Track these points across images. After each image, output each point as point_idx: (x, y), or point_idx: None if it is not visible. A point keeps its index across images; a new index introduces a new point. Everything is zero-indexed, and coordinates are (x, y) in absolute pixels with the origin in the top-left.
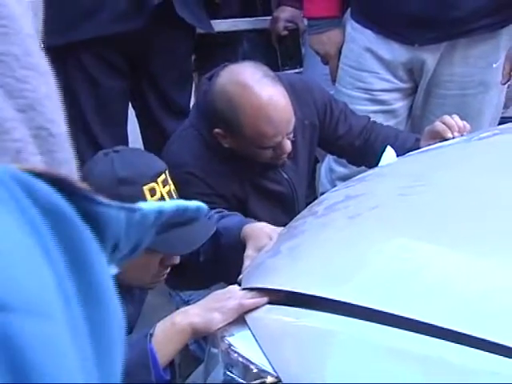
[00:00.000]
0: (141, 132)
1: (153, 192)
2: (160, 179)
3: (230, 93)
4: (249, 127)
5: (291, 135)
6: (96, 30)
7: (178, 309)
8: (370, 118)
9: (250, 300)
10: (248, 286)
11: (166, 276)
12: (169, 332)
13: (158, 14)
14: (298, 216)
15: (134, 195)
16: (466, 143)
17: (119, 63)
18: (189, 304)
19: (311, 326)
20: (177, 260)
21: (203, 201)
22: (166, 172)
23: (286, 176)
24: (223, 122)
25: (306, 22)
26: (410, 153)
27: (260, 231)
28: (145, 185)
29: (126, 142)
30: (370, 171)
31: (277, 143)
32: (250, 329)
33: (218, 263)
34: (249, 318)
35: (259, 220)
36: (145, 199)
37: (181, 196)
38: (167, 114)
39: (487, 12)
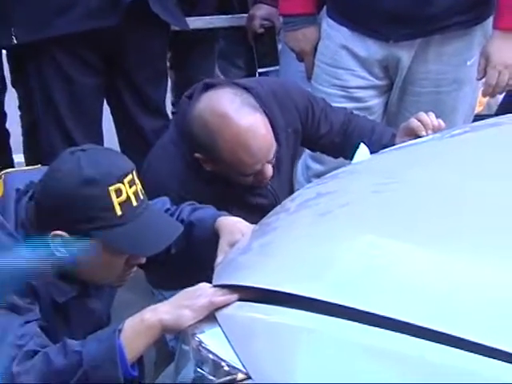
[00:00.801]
0: (116, 130)
1: (119, 193)
2: (127, 179)
3: (207, 121)
4: (227, 154)
5: (273, 160)
6: (69, 27)
7: None
8: (346, 111)
9: (220, 297)
10: (219, 282)
11: (132, 274)
12: (138, 328)
13: (132, 10)
14: (271, 213)
15: (99, 196)
16: (439, 141)
17: (93, 60)
18: None
19: (282, 323)
20: (143, 259)
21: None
22: (134, 172)
23: (270, 188)
24: (202, 147)
25: (281, 19)
26: (383, 150)
27: (234, 226)
28: (111, 185)
29: (101, 139)
30: (343, 168)
31: (257, 170)
32: (220, 326)
33: (191, 255)
34: (219, 315)
35: None
36: (110, 199)
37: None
38: (142, 112)
39: (462, 9)
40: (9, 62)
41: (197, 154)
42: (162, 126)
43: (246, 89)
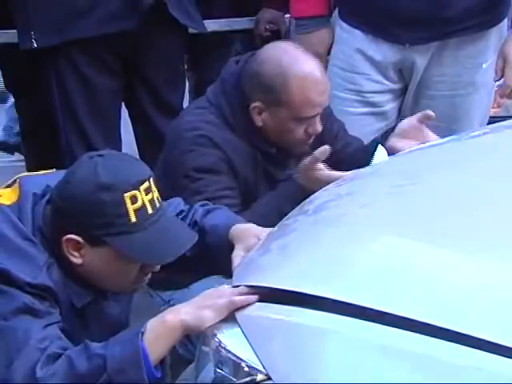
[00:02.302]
0: (134, 132)
1: (134, 200)
2: (143, 187)
3: (281, 60)
4: (297, 92)
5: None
6: (89, 30)
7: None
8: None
9: (240, 297)
10: (239, 283)
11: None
12: (160, 330)
13: (150, 14)
14: (289, 214)
15: (114, 202)
16: (457, 142)
17: (112, 63)
18: (170, 304)
19: (301, 324)
20: (157, 267)
21: (214, 169)
22: (151, 179)
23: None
24: (268, 90)
25: (290, 22)
26: (401, 152)
27: (247, 232)
28: (126, 192)
29: (119, 141)
30: (362, 170)
31: (314, 116)
32: (240, 326)
33: (205, 259)
34: (239, 315)
35: None
36: (125, 206)
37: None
38: (160, 114)
39: (478, 11)
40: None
41: (254, 104)
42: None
43: None
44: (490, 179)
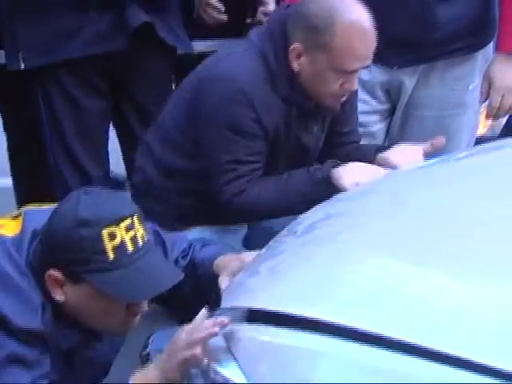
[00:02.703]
0: (122, 152)
1: (112, 236)
2: (124, 224)
3: (329, 1)
4: (341, 38)
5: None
6: (77, 51)
7: None
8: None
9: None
10: (228, 305)
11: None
12: None
13: (138, 35)
14: (277, 236)
15: (92, 237)
16: (445, 164)
17: (100, 84)
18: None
19: (290, 346)
20: (145, 307)
21: (247, 132)
22: (135, 217)
23: (315, 132)
24: (311, 31)
25: None
26: (391, 171)
27: (230, 258)
28: (104, 228)
29: (106, 162)
30: (351, 190)
31: (353, 72)
32: (229, 348)
33: (200, 293)
34: (227, 337)
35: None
36: (103, 243)
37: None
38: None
39: (465, 34)
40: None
41: (295, 44)
42: None
43: None
44: (479, 201)
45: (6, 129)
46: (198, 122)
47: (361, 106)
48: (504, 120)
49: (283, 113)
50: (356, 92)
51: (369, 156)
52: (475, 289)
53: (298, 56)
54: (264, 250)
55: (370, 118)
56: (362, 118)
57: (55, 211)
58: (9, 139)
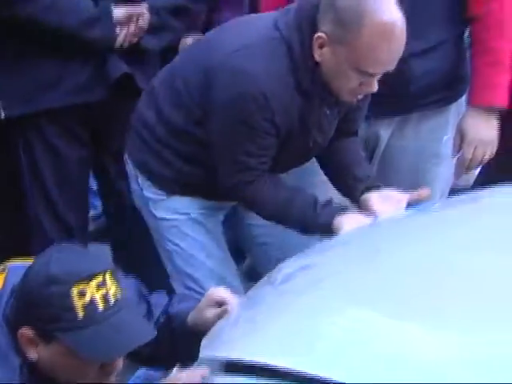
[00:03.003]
0: (102, 201)
1: (82, 294)
2: (95, 281)
3: (362, 1)
4: (366, 39)
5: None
6: (58, 101)
7: None
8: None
9: None
10: (206, 355)
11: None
12: None
13: (118, 85)
14: (257, 284)
15: (61, 295)
16: (422, 215)
17: (80, 133)
18: None
19: None
20: (120, 365)
21: (257, 127)
22: (107, 274)
23: (326, 129)
24: (338, 23)
25: None
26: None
27: (201, 310)
28: (73, 286)
29: (86, 211)
30: (329, 241)
31: (373, 75)
32: None
33: (176, 343)
34: None
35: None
36: (72, 300)
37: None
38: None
39: (439, 87)
40: None
41: (319, 33)
42: None
43: None
44: (455, 252)
45: None
46: (212, 106)
47: None
48: (477, 171)
49: (301, 109)
50: None
51: (355, 193)
52: (449, 342)
53: (321, 46)
54: (244, 298)
55: None
56: None
57: (29, 268)
58: None
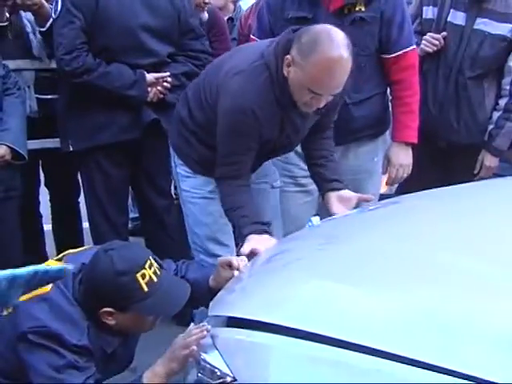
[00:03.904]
0: (138, 208)
1: (143, 276)
2: (147, 264)
3: (319, 35)
4: (314, 68)
5: (330, 98)
6: (109, 138)
7: None
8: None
9: (193, 347)
10: (213, 313)
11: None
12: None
13: (150, 126)
14: (247, 264)
15: (131, 281)
16: (361, 213)
17: (123, 160)
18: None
19: (256, 342)
20: None
21: (245, 134)
22: (151, 256)
23: (298, 128)
24: (299, 48)
25: None
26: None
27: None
28: (137, 272)
29: (127, 214)
30: (297, 233)
31: (321, 94)
32: (214, 345)
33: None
34: (214, 337)
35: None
36: (139, 283)
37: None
38: (156, 195)
39: (372, 126)
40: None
41: (288, 56)
42: (168, 203)
43: None
44: (388, 240)
45: (50, 200)
46: (219, 112)
47: (301, 172)
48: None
49: (281, 118)
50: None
51: (321, 190)
52: (386, 298)
53: (288, 65)
54: (238, 273)
55: (307, 180)
56: (302, 180)
57: (92, 268)
58: (52, 208)
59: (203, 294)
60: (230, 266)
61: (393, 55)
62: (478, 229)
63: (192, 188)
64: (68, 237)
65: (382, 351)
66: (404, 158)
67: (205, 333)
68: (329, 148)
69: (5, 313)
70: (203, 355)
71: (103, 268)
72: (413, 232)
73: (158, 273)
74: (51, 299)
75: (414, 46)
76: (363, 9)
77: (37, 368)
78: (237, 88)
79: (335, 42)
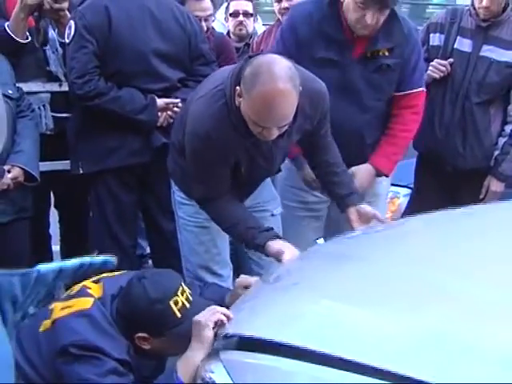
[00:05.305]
0: (146, 232)
1: (176, 302)
2: (180, 291)
3: (260, 68)
4: (252, 102)
5: (282, 130)
6: (119, 162)
7: None
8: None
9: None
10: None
11: None
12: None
13: (158, 150)
14: (256, 282)
15: (165, 309)
16: (367, 235)
17: (132, 183)
18: None
19: (265, 365)
20: None
21: (208, 169)
22: (182, 283)
23: (271, 151)
24: (243, 81)
25: None
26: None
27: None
28: (170, 299)
29: (135, 235)
30: (304, 252)
31: (265, 127)
32: (224, 366)
33: None
34: (224, 359)
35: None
36: (172, 310)
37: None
38: (164, 217)
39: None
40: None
41: (238, 87)
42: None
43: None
44: (397, 263)
45: (60, 220)
46: (178, 142)
47: (312, 198)
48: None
49: (241, 143)
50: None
51: (339, 205)
52: (391, 319)
53: (239, 96)
54: (247, 292)
55: (319, 205)
56: (314, 206)
57: (126, 296)
58: (61, 229)
59: None
60: (247, 287)
61: (400, 93)
62: (485, 251)
63: (187, 216)
64: (76, 258)
65: (388, 371)
66: (365, 183)
67: (224, 309)
68: (336, 162)
69: (41, 329)
70: (212, 377)
71: (137, 296)
72: (420, 254)
73: (190, 298)
74: (91, 315)
75: (423, 89)
76: (387, 53)
77: (77, 378)
78: (196, 112)
79: (274, 74)
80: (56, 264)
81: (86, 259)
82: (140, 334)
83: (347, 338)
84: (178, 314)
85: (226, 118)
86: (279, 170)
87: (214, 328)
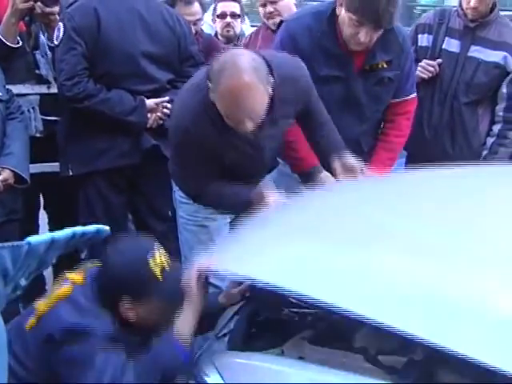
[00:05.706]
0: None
1: (154, 259)
2: (156, 251)
3: (224, 63)
4: (219, 98)
5: (256, 120)
6: (108, 164)
7: None
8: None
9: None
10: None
11: None
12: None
13: (149, 152)
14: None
15: (142, 266)
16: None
17: (122, 185)
18: None
19: (257, 365)
20: None
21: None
22: (156, 247)
23: (257, 140)
24: (211, 79)
25: None
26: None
27: None
28: (147, 255)
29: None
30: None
31: (238, 121)
32: (216, 368)
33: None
34: (217, 362)
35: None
36: (150, 266)
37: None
38: (154, 219)
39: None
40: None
41: (209, 84)
42: (166, 227)
43: (267, 63)
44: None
45: (49, 223)
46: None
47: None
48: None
49: (221, 135)
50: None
51: (328, 158)
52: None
53: (212, 91)
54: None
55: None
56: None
57: (105, 266)
58: (50, 228)
59: (213, 309)
60: (240, 284)
61: (393, 101)
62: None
63: (187, 214)
64: (64, 258)
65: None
66: None
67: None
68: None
69: (27, 327)
70: (205, 378)
71: (114, 259)
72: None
73: (168, 261)
74: (71, 299)
75: (415, 95)
76: (385, 65)
77: (65, 362)
78: (177, 105)
79: (239, 67)
80: (47, 235)
81: (78, 229)
82: (124, 301)
83: (317, 278)
84: (158, 272)
85: (204, 112)
86: (277, 163)
87: (201, 279)
